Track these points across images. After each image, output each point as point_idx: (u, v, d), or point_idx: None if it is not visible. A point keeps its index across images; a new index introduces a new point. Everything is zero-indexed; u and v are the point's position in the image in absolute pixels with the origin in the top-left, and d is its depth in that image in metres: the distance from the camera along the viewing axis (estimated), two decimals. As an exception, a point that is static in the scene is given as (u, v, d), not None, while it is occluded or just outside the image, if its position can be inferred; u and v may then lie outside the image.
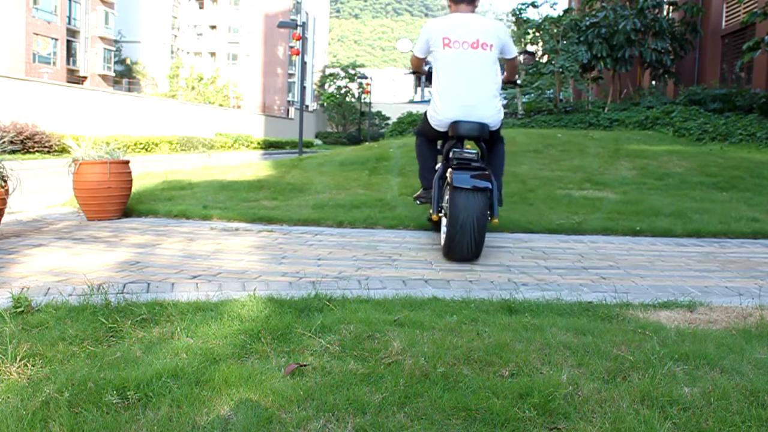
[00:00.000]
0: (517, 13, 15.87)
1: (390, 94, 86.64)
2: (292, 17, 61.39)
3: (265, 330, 2.11)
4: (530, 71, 15.52)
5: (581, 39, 14.73)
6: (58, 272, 3.07)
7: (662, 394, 1.68)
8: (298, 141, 23.76)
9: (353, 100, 57.82)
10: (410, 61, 4.18)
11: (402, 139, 12.34)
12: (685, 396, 1.67)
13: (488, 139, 3.85)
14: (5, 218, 4.27)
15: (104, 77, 49.75)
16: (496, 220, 3.59)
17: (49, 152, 17.57)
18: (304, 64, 34.83)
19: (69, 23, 45.22)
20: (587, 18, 15.24)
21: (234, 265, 3.33)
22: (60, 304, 2.37)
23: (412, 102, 52.30)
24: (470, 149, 3.77)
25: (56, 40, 43.04)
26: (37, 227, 4.44)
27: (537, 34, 15.48)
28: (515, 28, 15.95)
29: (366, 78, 50.84)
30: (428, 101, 4.02)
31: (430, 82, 4.01)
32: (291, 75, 69.25)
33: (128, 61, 59.09)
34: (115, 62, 53.88)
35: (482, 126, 3.71)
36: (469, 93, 3.71)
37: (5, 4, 38.13)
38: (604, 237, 4.52)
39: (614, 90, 16.49)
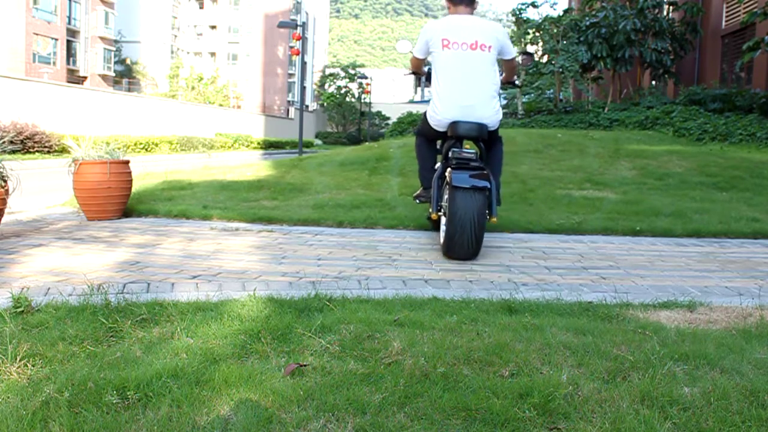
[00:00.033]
0: (517, 13, 15.87)
1: (390, 94, 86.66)
2: (292, 17, 61.40)
3: (265, 330, 2.11)
4: (530, 71, 15.52)
5: (581, 39, 14.73)
6: (58, 272, 3.07)
7: (662, 394, 1.68)
8: (298, 141, 23.76)
9: (353, 100, 57.82)
10: (410, 61, 4.22)
11: (402, 139, 12.34)
12: (685, 396, 1.67)
13: (487, 139, 3.89)
14: (5, 218, 4.27)
15: (104, 77, 49.75)
16: (494, 219, 3.63)
17: (49, 152, 17.57)
18: (304, 64, 34.83)
19: (69, 23, 45.23)
20: (587, 18, 15.25)
21: (234, 265, 3.33)
22: (60, 304, 2.37)
23: (412, 102, 52.34)
24: (469, 149, 3.80)
25: (56, 40, 43.04)
26: (37, 227, 4.44)
27: (537, 34, 15.48)
28: (515, 28, 15.94)
29: (366, 78, 50.84)
30: (428, 101, 4.05)
31: (430, 83, 4.05)
32: (291, 75, 69.26)
33: (128, 61, 59.10)
34: (115, 62, 53.89)
35: (481, 126, 3.75)
36: (468, 94, 3.75)
37: (5, 4, 38.13)
38: (604, 237, 4.52)
39: (614, 90, 16.49)
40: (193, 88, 51.64)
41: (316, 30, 79.51)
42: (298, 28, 24.07)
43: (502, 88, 4.33)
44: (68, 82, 38.94)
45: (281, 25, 24.23)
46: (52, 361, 1.85)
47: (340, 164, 8.18)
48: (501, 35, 3.86)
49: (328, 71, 63.27)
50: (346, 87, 58.24)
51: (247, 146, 33.09)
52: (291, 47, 54.58)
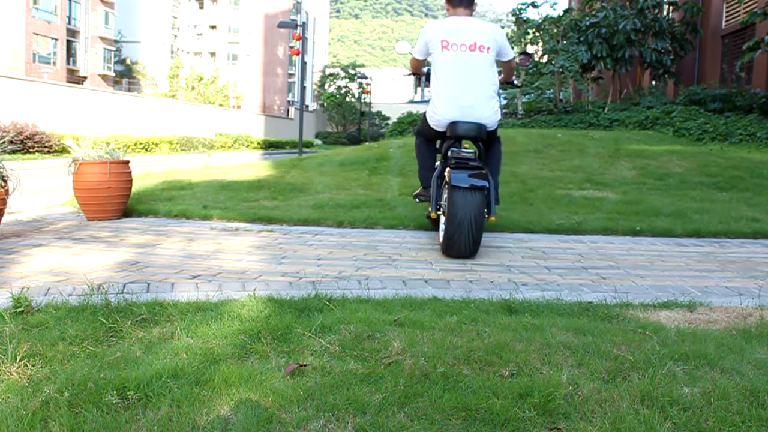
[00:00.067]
0: (517, 13, 15.87)
1: (390, 94, 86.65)
2: (292, 17, 61.40)
3: (265, 330, 2.11)
4: (530, 71, 15.53)
5: (581, 39, 14.74)
6: (58, 272, 3.07)
7: (662, 394, 1.67)
8: (298, 141, 23.76)
9: (353, 100, 57.82)
10: (410, 62, 4.25)
11: (402, 139, 12.35)
12: (685, 396, 1.67)
13: (485, 139, 3.94)
14: (5, 218, 4.27)
15: (104, 77, 49.76)
16: (493, 218, 3.66)
17: (49, 152, 17.57)
18: (304, 64, 34.83)
19: (69, 23, 45.22)
20: (587, 18, 15.25)
21: (234, 265, 3.33)
22: (60, 304, 2.37)
23: (412, 102, 52.30)
24: (468, 149, 3.84)
25: (56, 40, 43.04)
26: (37, 227, 4.44)
27: (537, 34, 15.48)
28: (515, 28, 15.94)
29: (366, 78, 50.84)
30: (428, 101, 4.08)
31: (430, 83, 4.09)
32: (291, 75, 69.26)
33: (128, 61, 59.10)
34: (115, 62, 53.89)
35: (480, 126, 3.79)
36: (467, 94, 3.79)
37: (5, 4, 38.13)
38: (604, 237, 4.52)
39: (614, 90, 16.49)
40: (193, 88, 51.64)
41: (316, 30, 79.51)
42: (298, 28, 24.08)
43: (501, 88, 4.36)
44: (68, 82, 38.94)
45: (281, 25, 24.23)
46: (52, 361, 1.85)
47: (340, 164, 8.19)
48: (499, 37, 3.91)
49: (328, 71, 63.28)
50: (346, 87, 58.24)
51: (247, 146, 33.09)
52: (291, 47, 54.60)
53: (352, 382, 1.73)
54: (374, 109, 57.42)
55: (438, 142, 4.27)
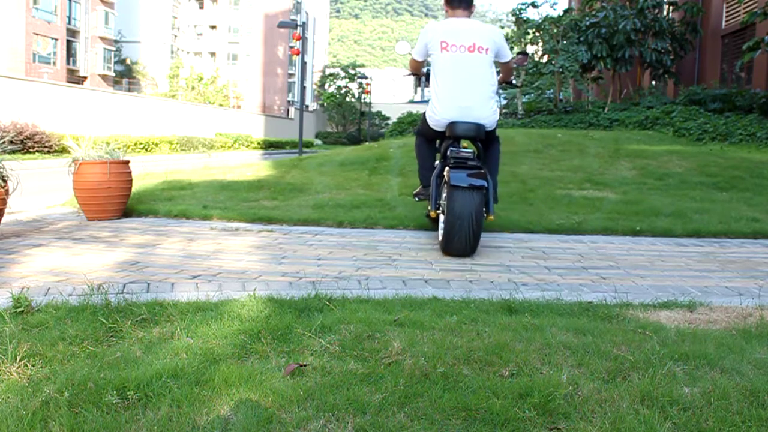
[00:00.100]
0: (517, 13, 15.87)
1: (390, 94, 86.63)
2: (292, 17, 61.40)
3: (265, 330, 2.11)
4: (530, 71, 15.53)
5: (581, 39, 14.74)
6: (58, 272, 3.07)
7: (662, 394, 1.67)
8: (298, 141, 23.76)
9: (353, 100, 57.82)
10: (409, 63, 4.30)
11: (402, 139, 12.35)
12: (685, 396, 1.67)
13: (484, 138, 3.98)
14: (5, 218, 4.27)
15: (104, 77, 49.76)
16: (491, 217, 3.70)
17: (49, 152, 17.57)
18: (304, 64, 34.83)
19: (69, 23, 45.23)
20: (587, 18, 15.25)
21: (234, 265, 3.33)
22: (60, 304, 2.37)
23: (412, 102, 52.29)
24: (467, 148, 3.88)
25: (56, 40, 43.04)
26: (37, 227, 4.44)
27: (537, 34, 15.48)
28: (515, 28, 15.94)
29: (366, 78, 50.84)
30: (428, 101, 4.11)
31: (429, 83, 4.13)
32: (291, 75, 69.26)
33: (128, 61, 59.09)
34: (115, 62, 53.89)
35: (478, 126, 3.84)
36: (466, 95, 3.84)
37: (5, 4, 38.13)
38: (604, 237, 4.52)
39: (614, 90, 16.49)
40: (193, 88, 51.64)
41: (316, 30, 79.51)
42: (298, 28, 24.07)
43: (499, 88, 4.39)
44: (68, 82, 38.94)
45: (281, 25, 24.23)
46: (52, 361, 1.85)
47: (340, 164, 8.19)
48: (498, 38, 3.97)
49: (328, 71, 63.26)
50: (346, 87, 58.24)
51: (247, 146, 33.09)
52: (291, 47, 54.59)
53: (352, 382, 1.73)
54: (374, 109, 57.42)
55: (438, 142, 4.30)
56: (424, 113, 4.16)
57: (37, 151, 17.33)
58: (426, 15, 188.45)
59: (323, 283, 2.93)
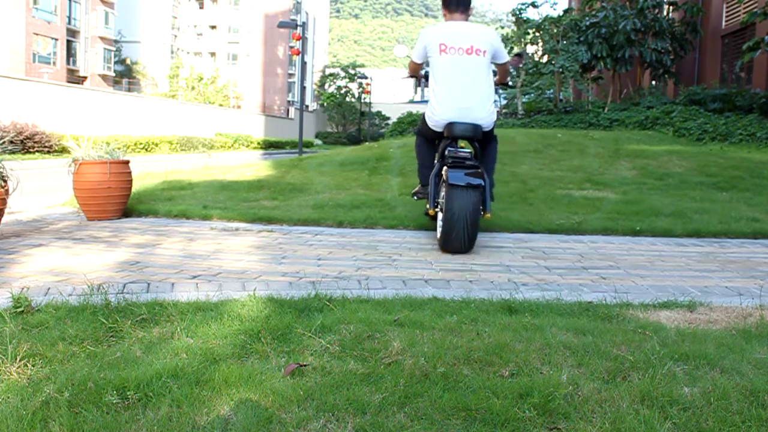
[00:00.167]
0: (517, 13, 15.86)
1: (390, 94, 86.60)
2: (292, 17, 61.40)
3: (265, 330, 2.11)
4: (530, 71, 15.53)
5: (581, 39, 14.73)
6: (58, 272, 3.07)
7: (662, 394, 1.67)
8: (298, 141, 23.76)
9: (353, 100, 57.83)
10: (408, 66, 4.38)
11: (402, 139, 12.35)
12: (685, 396, 1.67)
13: (481, 138, 4.07)
14: (5, 218, 4.27)
15: (104, 77, 49.75)
16: (488, 215, 3.82)
17: (49, 152, 17.57)
18: (304, 64, 34.83)
19: (69, 23, 45.22)
20: (587, 18, 15.25)
21: (234, 265, 3.33)
22: (60, 304, 2.37)
23: (412, 102, 52.31)
24: (464, 148, 3.99)
25: (56, 40, 43.04)
26: (37, 227, 4.44)
27: (537, 34, 15.48)
28: (515, 28, 15.94)
29: (366, 78, 50.86)
30: (428, 101, 4.18)
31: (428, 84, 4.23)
32: (291, 75, 69.25)
33: (128, 61, 59.09)
34: (115, 62, 53.89)
35: (476, 127, 3.94)
36: (464, 96, 3.94)
37: (5, 4, 38.13)
38: (604, 237, 4.52)
39: (614, 90, 16.49)
40: (193, 88, 51.64)
41: (316, 30, 79.50)
42: (298, 28, 24.07)
43: (496, 89, 4.46)
44: (68, 82, 38.94)
45: (281, 25, 24.23)
46: (52, 361, 1.85)
47: (340, 164, 8.18)
48: (495, 40, 4.07)
49: (328, 71, 63.28)
50: (346, 87, 58.26)
51: (247, 146, 33.09)
52: (291, 47, 54.59)
53: (352, 382, 1.73)
54: (374, 109, 57.43)
55: (437, 142, 4.34)
56: (424, 114, 4.24)
57: (37, 151, 17.33)
58: (426, 15, 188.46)
59: (323, 283, 2.93)
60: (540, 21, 15.14)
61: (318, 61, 79.19)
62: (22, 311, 2.29)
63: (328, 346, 2.00)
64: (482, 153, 4.13)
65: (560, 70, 14.43)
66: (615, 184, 6.66)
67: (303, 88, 28.19)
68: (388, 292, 2.74)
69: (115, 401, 1.59)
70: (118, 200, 4.83)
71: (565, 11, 17.16)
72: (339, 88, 58.50)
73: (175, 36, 66.04)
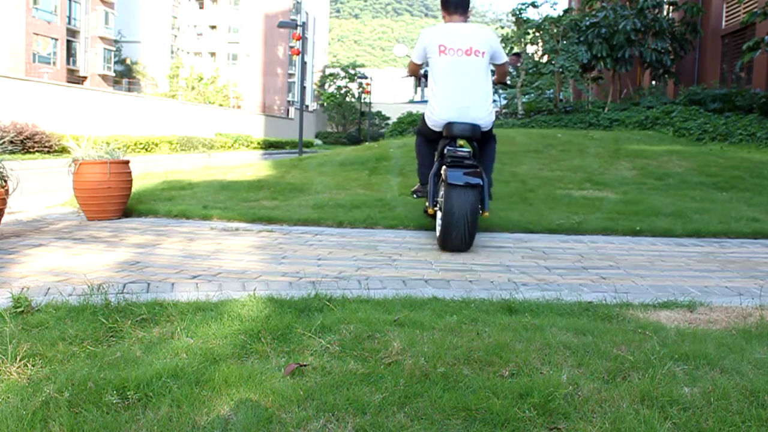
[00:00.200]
0: (517, 13, 15.85)
1: (390, 94, 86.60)
2: (292, 17, 61.40)
3: (265, 330, 2.11)
4: (530, 71, 15.52)
5: (581, 39, 14.73)
6: (58, 272, 3.07)
7: (662, 394, 1.67)
8: (298, 141, 23.76)
9: (353, 100, 57.83)
10: (408, 66, 4.43)
11: (402, 139, 12.34)
12: (685, 396, 1.67)
13: (480, 138, 4.10)
14: (5, 218, 4.27)
15: (104, 77, 49.75)
16: (486, 214, 3.88)
17: (49, 152, 17.57)
18: (304, 64, 34.83)
19: (69, 23, 45.22)
20: (587, 18, 15.24)
21: (234, 265, 3.33)
22: (60, 304, 2.37)
23: (412, 102, 52.33)
24: (463, 147, 4.04)
25: (56, 40, 43.03)
26: (37, 227, 4.44)
27: (537, 34, 15.47)
28: (515, 28, 15.93)
29: (366, 78, 50.86)
30: (427, 101, 4.19)
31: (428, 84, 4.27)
32: (291, 75, 69.25)
33: (128, 61, 59.09)
34: (115, 62, 53.88)
35: (474, 127, 3.98)
36: (463, 96, 3.98)
37: (5, 4, 38.13)
38: (604, 237, 4.52)
39: (614, 90, 16.49)
40: (193, 88, 51.63)
41: (316, 30, 79.50)
42: (298, 28, 24.07)
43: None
44: (68, 82, 38.94)
45: (281, 25, 24.22)
46: (52, 361, 1.85)
47: (340, 164, 8.18)
48: (493, 41, 4.12)
49: (328, 71, 63.28)
50: (346, 87, 58.26)
51: (247, 146, 33.09)
52: (291, 47, 54.61)
53: (352, 382, 1.73)
54: (374, 109, 57.43)
55: (437, 141, 4.36)
56: (424, 113, 4.27)
57: (37, 151, 17.33)
58: (426, 15, 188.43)
59: (323, 283, 2.93)
60: (540, 21, 15.13)
61: (318, 61, 79.18)
62: (22, 311, 2.29)
63: (328, 346, 2.00)
64: (481, 152, 4.17)
65: (560, 70, 14.43)
66: (615, 184, 6.66)
67: (303, 88, 28.19)
68: (388, 292, 2.74)
69: (115, 401, 1.59)
70: (118, 200, 4.83)
71: (565, 11, 17.15)
72: (339, 88, 58.50)
73: (175, 36, 66.04)
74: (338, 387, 1.69)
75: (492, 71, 4.27)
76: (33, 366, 1.82)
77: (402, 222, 4.73)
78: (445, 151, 3.95)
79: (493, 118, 4.12)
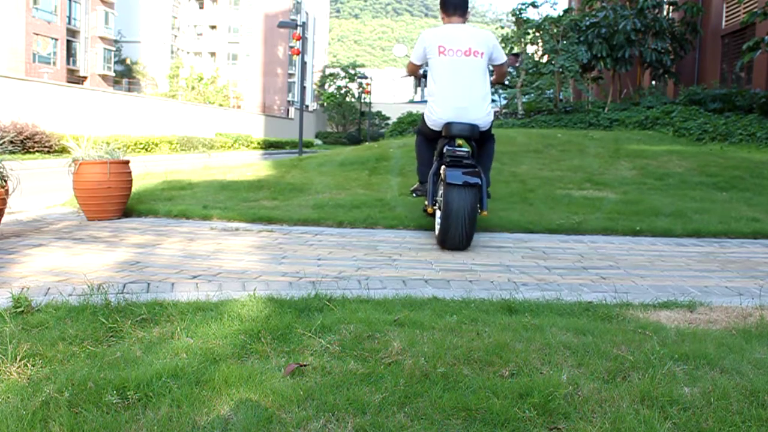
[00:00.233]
0: (517, 13, 15.85)
1: (390, 94, 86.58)
2: (292, 17, 61.40)
3: (265, 330, 2.11)
4: (530, 71, 15.52)
5: (581, 39, 14.73)
6: (58, 272, 3.07)
7: (662, 394, 1.67)
8: (298, 141, 23.76)
9: (353, 100, 57.84)
10: (407, 66, 4.47)
11: (402, 139, 12.35)
12: (685, 396, 1.67)
13: (478, 138, 4.14)
14: (5, 218, 4.27)
15: (104, 77, 49.74)
16: (485, 213, 3.91)
17: (49, 152, 17.57)
18: (304, 64, 34.83)
19: (69, 23, 45.21)
20: (587, 18, 15.24)
21: (234, 265, 3.33)
22: (60, 304, 2.37)
23: (412, 102, 52.28)
24: (462, 147, 4.08)
25: (56, 40, 43.03)
26: (37, 227, 4.44)
27: (537, 34, 15.47)
28: (515, 28, 15.93)
29: (366, 78, 50.87)
30: (427, 101, 4.20)
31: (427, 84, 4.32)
32: (291, 75, 69.24)
33: (128, 61, 59.08)
34: (115, 62, 53.87)
35: (473, 127, 4.02)
36: (462, 96, 4.02)
37: (5, 4, 38.13)
38: (604, 237, 4.52)
39: (614, 90, 16.48)
40: (193, 88, 51.63)
41: (316, 30, 79.49)
42: (298, 28, 24.06)
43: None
44: (68, 82, 38.95)
45: (281, 25, 24.22)
46: (52, 361, 1.85)
47: (340, 164, 8.18)
48: (492, 42, 4.16)
49: (328, 71, 63.30)
50: (346, 87, 58.28)
51: (247, 146, 33.09)
52: (291, 47, 54.61)
53: (352, 382, 1.73)
54: (374, 109, 57.43)
55: (437, 140, 4.38)
56: (424, 113, 4.30)
57: (37, 151, 17.33)
58: (426, 15, 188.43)
59: (323, 283, 2.93)
60: (540, 21, 15.13)
61: (318, 61, 79.18)
62: (22, 311, 2.29)
63: (328, 346, 2.00)
64: (479, 152, 4.21)
65: (560, 70, 14.42)
66: (615, 184, 6.66)
67: (303, 88, 28.19)
68: (388, 292, 2.74)
69: (115, 401, 1.59)
70: (118, 200, 4.83)
71: (565, 11, 17.15)
72: (339, 88, 58.52)
73: (175, 36, 66.03)
74: (338, 387, 1.70)
75: (491, 72, 4.31)
76: (33, 366, 1.82)
77: (402, 222, 4.73)
78: (444, 150, 3.98)
79: (492, 118, 4.16)
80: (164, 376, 1.71)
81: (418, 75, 4.44)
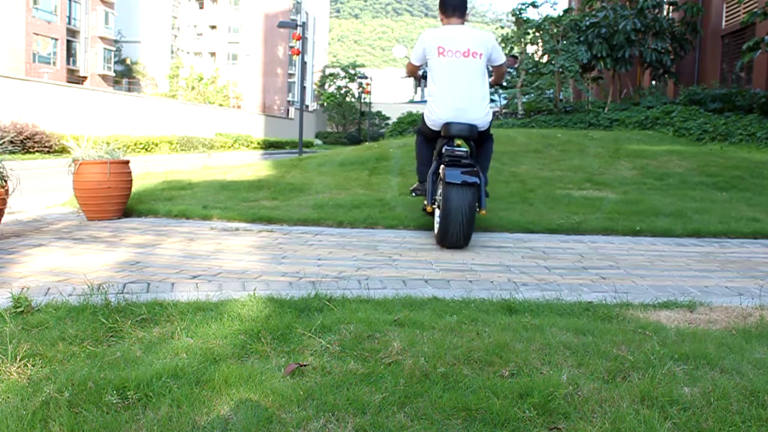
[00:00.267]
0: (517, 13, 15.85)
1: (390, 94, 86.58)
2: (292, 17, 61.40)
3: (265, 330, 2.11)
4: (530, 71, 15.52)
5: (581, 39, 14.73)
6: (58, 272, 3.07)
7: (662, 394, 1.67)
8: (298, 141, 23.76)
9: (353, 100, 57.85)
10: (406, 67, 4.50)
11: (402, 139, 12.35)
12: (685, 396, 1.67)
13: (477, 138, 4.18)
14: (5, 218, 4.27)
15: (104, 77, 49.74)
16: (483, 212, 3.95)
17: (49, 152, 17.57)
18: (304, 64, 34.82)
19: (69, 23, 45.21)
20: (587, 18, 15.24)
21: (234, 265, 3.33)
22: (60, 304, 2.37)
23: (412, 102, 52.30)
24: (461, 147, 4.11)
25: (56, 40, 43.03)
26: (37, 227, 4.44)
27: (537, 34, 15.46)
28: (515, 28, 15.93)
29: (366, 78, 50.88)
30: (427, 101, 4.22)
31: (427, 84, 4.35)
32: (291, 75, 69.24)
33: (128, 61, 59.08)
34: (115, 62, 53.87)
35: (471, 127, 4.05)
36: (461, 97, 4.06)
37: (5, 4, 38.13)
38: (604, 237, 4.52)
39: (614, 90, 16.48)
40: (193, 88, 51.63)
41: (316, 30, 79.49)
42: (298, 28, 24.06)
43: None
44: (68, 82, 38.94)
45: (281, 25, 24.22)
46: (52, 361, 1.85)
47: (340, 164, 8.18)
48: (490, 44, 4.19)
49: (328, 71, 63.32)
50: (346, 87, 58.30)
51: (247, 146, 33.09)
52: (291, 47, 54.62)
53: (352, 382, 1.73)
54: (374, 109, 57.44)
55: (436, 140, 4.41)
56: (424, 113, 4.32)
57: (37, 151, 17.33)
58: (426, 15, 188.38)
59: (323, 283, 2.93)
60: (540, 21, 15.12)
61: (318, 61, 79.18)
62: (22, 311, 2.29)
63: (328, 346, 2.00)
64: (478, 152, 4.24)
65: (560, 70, 14.42)
66: (615, 184, 6.66)
67: (303, 88, 28.19)
68: (388, 292, 2.74)
69: (115, 401, 1.59)
70: (118, 200, 4.83)
71: (565, 11, 17.15)
72: (339, 88, 58.53)
73: (175, 36, 66.03)
74: (338, 387, 1.70)
75: (489, 73, 4.33)
76: (33, 366, 1.82)
77: (402, 222, 4.73)
78: (444, 150, 4.01)
79: (490, 118, 4.19)
80: (164, 376, 1.71)
81: (418, 76, 4.47)
